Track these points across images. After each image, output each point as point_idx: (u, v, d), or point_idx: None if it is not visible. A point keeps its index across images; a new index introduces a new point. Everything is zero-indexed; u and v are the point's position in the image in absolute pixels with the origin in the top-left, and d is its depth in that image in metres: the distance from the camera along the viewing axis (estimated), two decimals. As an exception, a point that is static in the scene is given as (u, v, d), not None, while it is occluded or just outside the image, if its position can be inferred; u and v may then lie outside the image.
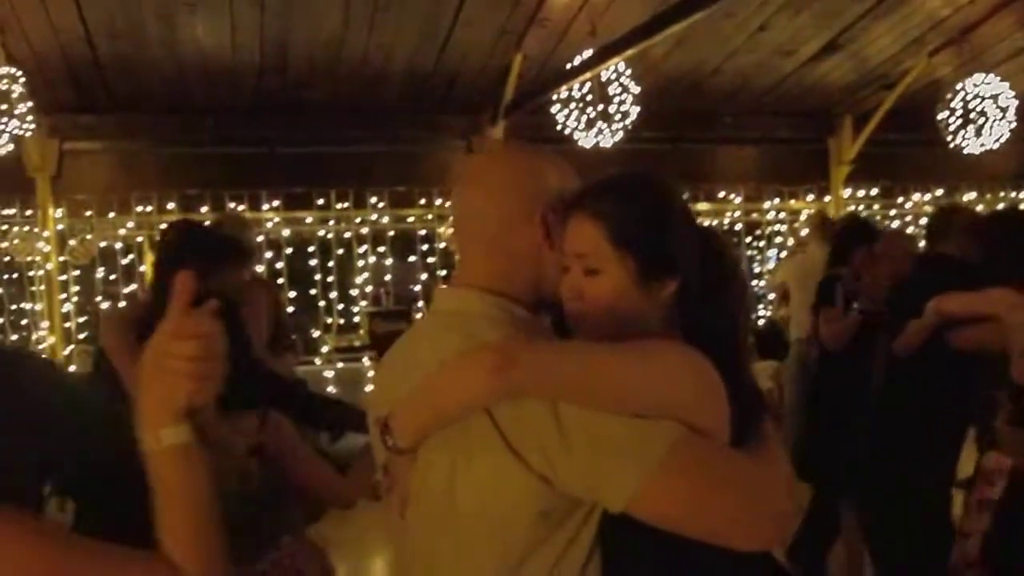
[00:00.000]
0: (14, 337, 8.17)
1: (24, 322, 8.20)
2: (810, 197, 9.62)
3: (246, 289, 2.85)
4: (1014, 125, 7.75)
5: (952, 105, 7.73)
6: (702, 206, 9.32)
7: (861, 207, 9.92)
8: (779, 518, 1.36)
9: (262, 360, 2.99)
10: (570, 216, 1.51)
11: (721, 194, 9.34)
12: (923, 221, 10.08)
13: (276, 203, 8.30)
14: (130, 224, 8.13)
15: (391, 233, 8.71)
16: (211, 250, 2.85)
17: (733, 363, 1.43)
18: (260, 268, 8.35)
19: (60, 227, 7.93)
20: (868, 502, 4.07)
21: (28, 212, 7.89)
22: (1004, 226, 3.62)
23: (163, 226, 8.07)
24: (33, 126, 6.32)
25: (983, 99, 7.66)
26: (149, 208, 8.02)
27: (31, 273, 8.09)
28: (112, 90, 7.37)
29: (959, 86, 7.73)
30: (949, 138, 7.83)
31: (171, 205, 8.05)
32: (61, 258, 7.94)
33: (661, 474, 1.29)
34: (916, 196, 10.04)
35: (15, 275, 8.22)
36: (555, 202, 1.55)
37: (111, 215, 8.00)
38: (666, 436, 1.30)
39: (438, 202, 8.65)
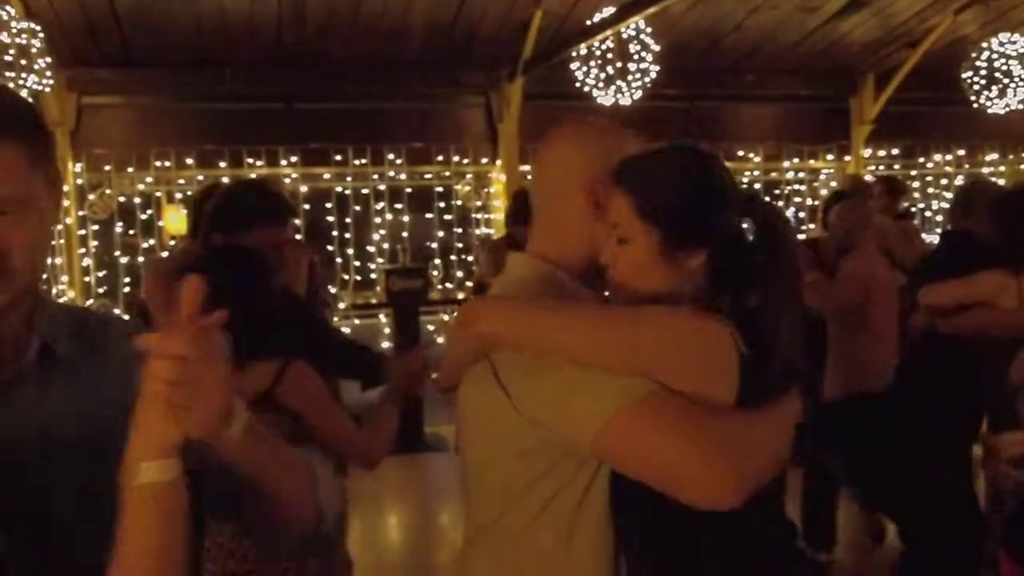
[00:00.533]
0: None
1: (44, 276, 8.25)
2: (830, 157, 9.55)
3: (285, 248, 2.88)
4: (1039, 85, 7.64)
5: (976, 64, 7.63)
6: (721, 165, 9.26)
7: (882, 167, 9.85)
8: (741, 477, 1.38)
9: (297, 309, 3.01)
10: (611, 188, 1.58)
11: (740, 153, 9.27)
12: (944, 181, 10.02)
13: (294, 159, 8.29)
14: (149, 179, 8.15)
15: (408, 190, 8.70)
16: (247, 207, 2.87)
17: (764, 335, 1.47)
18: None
19: (79, 181, 7.96)
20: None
21: (47, 166, 7.89)
22: (1020, 201, 3.60)
23: (181, 181, 8.14)
24: (51, 81, 6.31)
25: (1008, 59, 7.54)
26: (167, 163, 8.04)
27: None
28: (130, 44, 7.35)
29: (984, 45, 7.62)
30: (972, 98, 7.73)
31: (189, 160, 8.07)
32: (80, 212, 7.98)
33: (625, 416, 1.39)
34: (937, 156, 9.96)
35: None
36: (605, 174, 1.61)
37: (129, 170, 8.01)
38: (636, 388, 1.40)
39: (455, 159, 8.64)
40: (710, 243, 1.50)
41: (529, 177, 8.76)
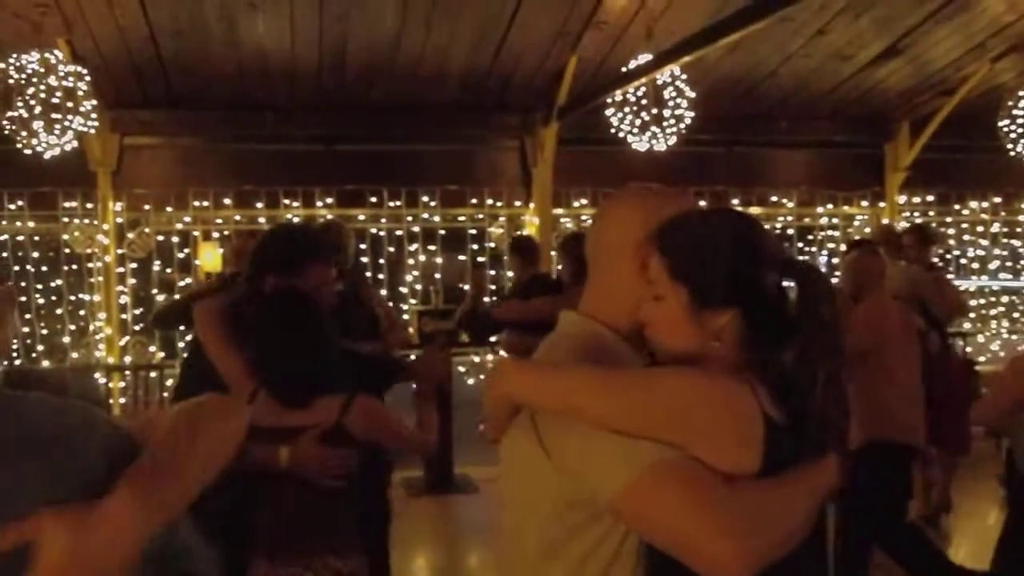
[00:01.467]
0: (72, 327, 8.36)
1: (82, 312, 8.38)
2: (864, 203, 9.52)
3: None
4: (1077, 134, 7.60)
5: (1013, 112, 7.60)
6: (754, 210, 9.25)
7: (916, 214, 9.80)
8: (749, 553, 1.37)
9: (347, 348, 3.13)
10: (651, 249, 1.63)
11: (774, 198, 9.27)
12: (980, 229, 9.95)
13: (330, 200, 8.39)
14: (187, 218, 8.27)
15: (442, 232, 8.77)
16: (301, 248, 3.08)
17: (798, 398, 1.49)
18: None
19: (119, 220, 8.09)
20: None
21: (89, 205, 8.06)
22: None
23: (218, 220, 8.25)
24: (96, 123, 6.44)
25: (1046, 107, 7.52)
26: (206, 203, 8.16)
27: (90, 265, 8.27)
28: (173, 87, 7.51)
29: (1020, 93, 7.60)
30: (1009, 146, 7.70)
31: (227, 200, 8.18)
32: (119, 250, 8.10)
33: (642, 480, 1.42)
34: (973, 204, 9.89)
35: (75, 266, 8.40)
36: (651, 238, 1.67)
37: (168, 209, 8.14)
38: (651, 452, 1.42)
39: (489, 202, 8.69)
40: (737, 302, 1.53)
41: (562, 221, 8.83)
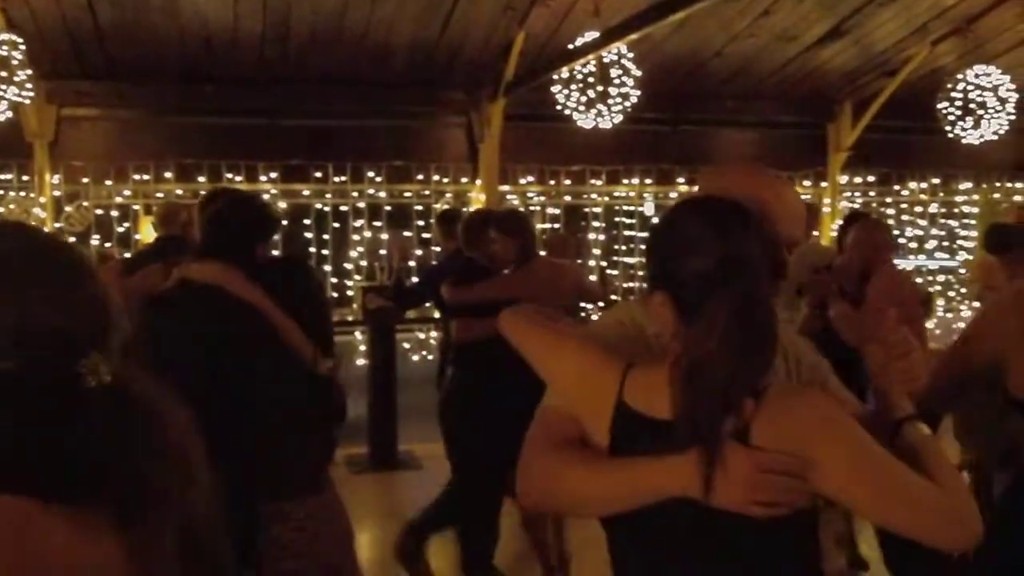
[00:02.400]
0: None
1: None
2: (807, 183, 9.64)
3: None
4: (1013, 117, 7.76)
5: (952, 95, 7.74)
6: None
7: (857, 194, 9.95)
8: (537, 495, 1.67)
9: None
10: None
11: (718, 177, 9.32)
12: (918, 209, 10.13)
13: (274, 175, 8.28)
14: (127, 192, 8.11)
15: (388, 208, 8.71)
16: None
17: (697, 392, 1.46)
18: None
19: (57, 193, 7.91)
20: None
21: (25, 178, 7.87)
22: None
23: (159, 194, 8.09)
24: (32, 93, 6.28)
25: (983, 90, 7.67)
26: (146, 177, 8.01)
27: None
28: (112, 57, 7.34)
29: (960, 76, 7.74)
30: (948, 128, 7.85)
31: (168, 174, 8.04)
32: (57, 224, 7.92)
33: (536, 415, 1.72)
34: (913, 184, 10.07)
35: (10, 240, 8.19)
36: None
37: (108, 182, 7.98)
38: (550, 397, 1.71)
39: (435, 178, 8.65)
40: (662, 286, 1.55)
41: (508, 197, 8.82)
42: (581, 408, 1.62)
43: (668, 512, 1.47)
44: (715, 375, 1.42)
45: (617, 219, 9.44)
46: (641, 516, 1.50)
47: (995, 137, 7.88)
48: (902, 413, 1.59)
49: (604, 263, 9.37)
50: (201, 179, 8.09)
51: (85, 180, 7.91)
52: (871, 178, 9.92)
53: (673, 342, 1.52)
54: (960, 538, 1.47)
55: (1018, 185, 10.47)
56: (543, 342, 1.73)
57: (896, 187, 10.03)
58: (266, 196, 8.28)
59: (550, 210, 9.16)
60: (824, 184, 9.57)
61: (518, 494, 1.69)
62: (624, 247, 9.45)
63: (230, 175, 8.15)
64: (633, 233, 9.43)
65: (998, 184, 10.37)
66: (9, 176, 7.88)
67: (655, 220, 1.72)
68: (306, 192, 8.51)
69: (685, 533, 1.50)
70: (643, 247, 1.71)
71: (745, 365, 1.44)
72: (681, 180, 9.26)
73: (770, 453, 1.42)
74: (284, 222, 8.40)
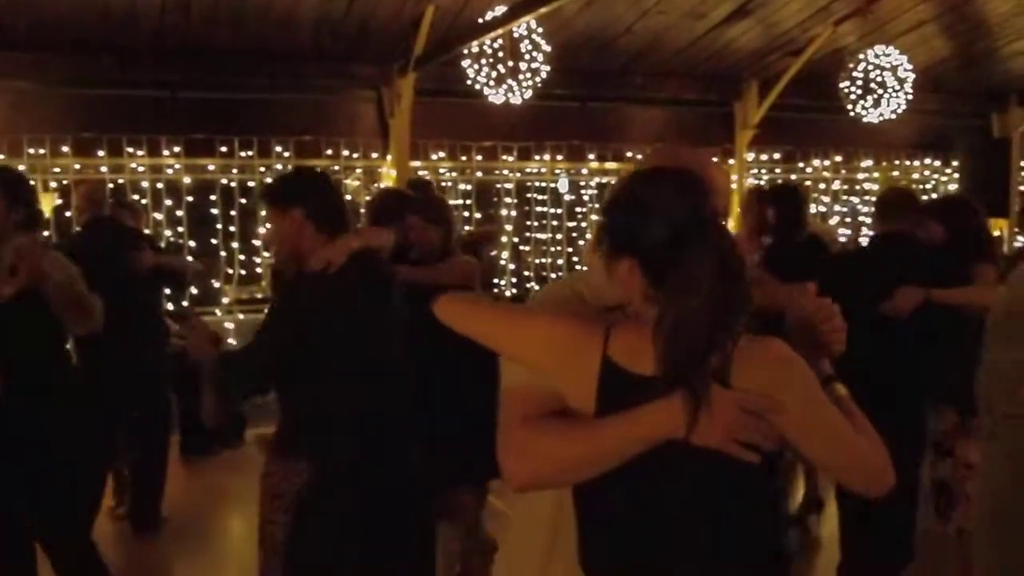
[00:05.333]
0: None
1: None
2: (714, 159, 9.75)
3: None
4: (911, 97, 7.99)
5: (854, 74, 7.93)
6: (610, 165, 9.41)
7: (763, 171, 10.15)
8: (525, 472, 1.66)
9: None
10: None
11: (629, 154, 9.41)
12: (822, 186, 10.38)
13: (177, 149, 8.06)
14: (21, 167, 7.78)
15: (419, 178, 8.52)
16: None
17: (679, 350, 1.52)
18: (159, 215, 8.15)
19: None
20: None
21: (-89, 150, 7.51)
22: (961, 211, 4.25)
23: (56, 169, 7.80)
24: (-84, 60, 5.99)
25: (882, 70, 7.87)
26: (42, 151, 7.71)
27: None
28: (3, 25, 7.02)
29: (861, 56, 7.93)
30: (849, 107, 8.04)
31: (65, 148, 7.75)
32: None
33: (503, 395, 1.74)
34: (816, 162, 10.31)
35: None
36: None
37: (0, 156, 7.66)
38: (518, 374, 1.71)
39: (345, 152, 8.53)
40: (629, 251, 1.59)
41: (419, 173, 8.75)
42: (562, 375, 1.64)
43: (650, 458, 1.56)
44: (700, 331, 1.49)
45: (529, 195, 9.45)
46: (624, 467, 1.58)
47: (894, 116, 8.11)
48: (823, 374, 1.71)
49: (516, 239, 9.38)
50: (101, 153, 7.83)
51: (-24, 153, 7.59)
52: (776, 155, 10.13)
53: (644, 305, 1.58)
54: (881, 486, 1.66)
55: (916, 163, 10.80)
56: (504, 320, 1.76)
57: (800, 164, 10.26)
58: (169, 171, 8.08)
59: (462, 186, 9.13)
60: (731, 161, 9.72)
61: (505, 478, 1.67)
62: (536, 223, 9.47)
63: (131, 149, 7.90)
64: (545, 209, 9.45)
65: (897, 162, 10.69)
66: None
67: (612, 191, 1.70)
68: (211, 167, 8.30)
69: (667, 477, 1.59)
70: (597, 218, 1.74)
71: (727, 318, 1.51)
72: (591, 156, 9.32)
73: (748, 394, 1.53)
74: (189, 198, 8.21)
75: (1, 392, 3.22)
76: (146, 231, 6.77)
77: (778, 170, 10.21)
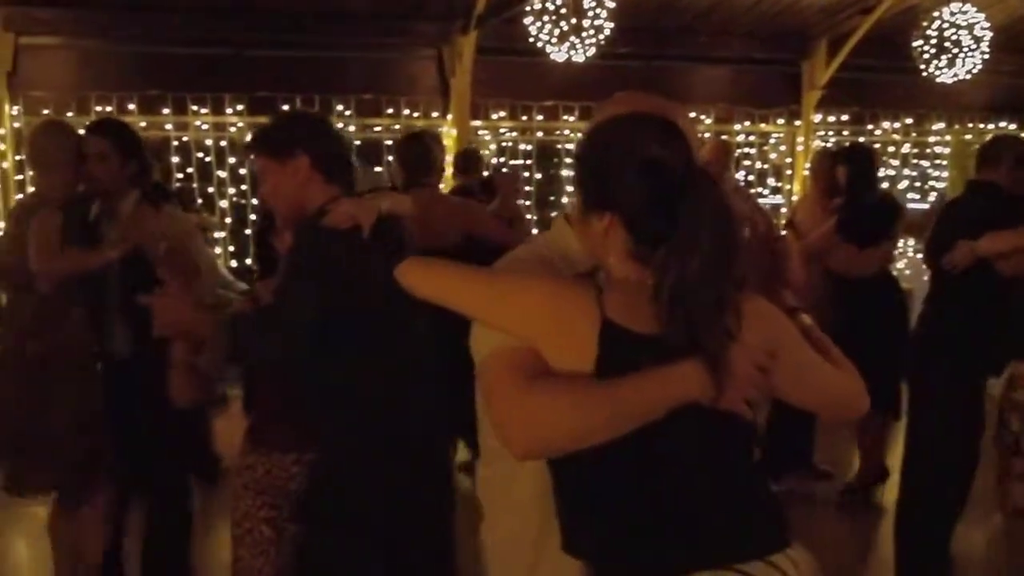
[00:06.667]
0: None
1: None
2: (780, 121, 9.58)
3: None
4: (987, 56, 7.72)
5: (927, 33, 7.68)
6: (673, 126, 9.25)
7: (831, 133, 9.92)
8: (529, 439, 1.53)
9: None
10: None
11: (692, 114, 9.25)
12: (891, 149, 10.13)
13: (240, 107, 8.12)
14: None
15: (357, 142, 8.57)
16: None
17: (679, 309, 1.48)
18: (223, 173, 8.24)
19: (17, 125, 7.71)
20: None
21: (-17, 109, 7.67)
22: None
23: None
24: (-13, 18, 6.09)
25: (958, 28, 7.61)
26: (109, 108, 7.81)
27: (-14, 171, 7.91)
28: (72, -16, 7.12)
29: (935, 13, 7.67)
30: (922, 67, 7.80)
31: (131, 106, 7.85)
32: (18, 157, 7.74)
33: (484, 363, 1.62)
34: (886, 124, 10.04)
35: (-31, 172, 8.03)
36: None
37: (69, 114, 7.78)
38: (497, 339, 1.59)
39: (406, 112, 8.52)
40: (610, 207, 1.53)
41: (480, 133, 8.71)
42: (553, 339, 1.55)
43: (665, 424, 1.49)
44: (710, 290, 1.45)
45: (590, 156, 9.34)
46: (638, 433, 1.50)
47: (969, 77, 7.84)
48: (787, 307, 1.75)
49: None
50: (166, 111, 7.92)
51: (46, 111, 7.71)
52: (844, 117, 9.88)
53: (627, 265, 1.53)
54: (859, 411, 1.75)
55: (991, 126, 10.47)
56: (484, 285, 1.66)
57: (869, 126, 10.00)
58: (232, 128, 8.15)
59: (523, 146, 9.07)
60: (798, 123, 9.52)
61: (509, 445, 1.54)
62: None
63: (195, 107, 7.98)
64: (605, 171, 9.35)
65: (971, 125, 10.36)
66: (-34, 107, 7.67)
67: (583, 140, 1.57)
68: (274, 125, 8.33)
69: (678, 441, 1.53)
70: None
71: (730, 274, 1.48)
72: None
73: (757, 350, 1.50)
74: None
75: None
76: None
77: (846, 132, 9.97)
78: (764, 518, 1.61)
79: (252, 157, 2.66)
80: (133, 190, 3.49)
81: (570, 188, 9.22)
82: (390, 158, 8.57)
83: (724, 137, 8.38)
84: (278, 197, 2.59)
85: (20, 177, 7.78)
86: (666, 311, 1.46)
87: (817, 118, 9.63)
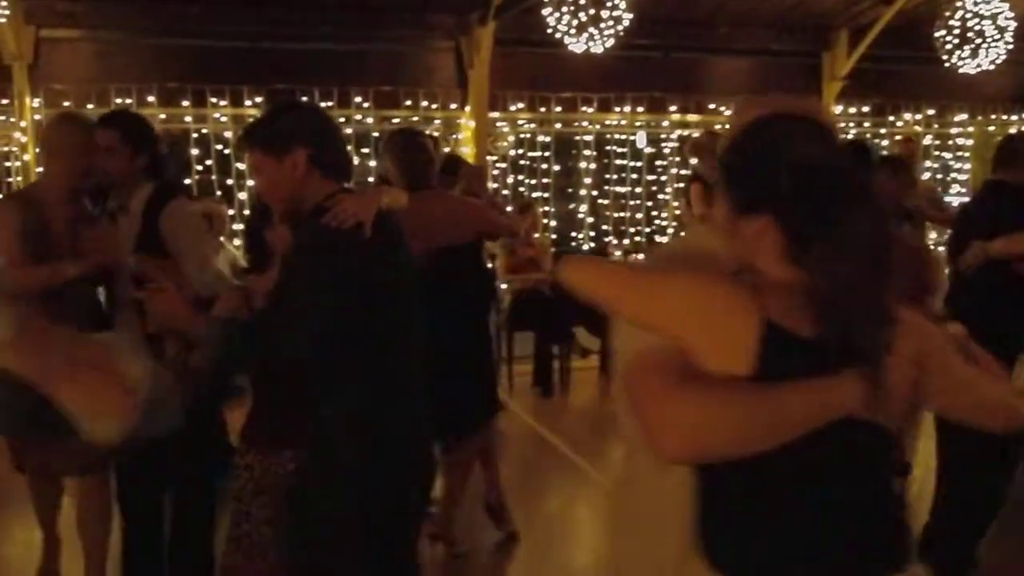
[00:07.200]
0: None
1: None
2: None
3: None
4: (1011, 46, 7.62)
5: (950, 23, 7.59)
6: (691, 117, 9.22)
7: (852, 125, 9.84)
8: (686, 443, 1.44)
9: None
10: None
11: (712, 106, 9.21)
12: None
13: (259, 99, 8.12)
14: (109, 116, 7.95)
15: (375, 135, 8.57)
16: None
17: (836, 314, 1.44)
18: (241, 165, 8.26)
19: (37, 117, 7.76)
20: None
21: (4, 101, 7.71)
22: None
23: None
24: (7, 11, 6.11)
25: (981, 18, 7.51)
26: (128, 100, 7.84)
27: (7, 164, 7.96)
28: (91, -25, 7.15)
29: (958, 4, 7.58)
30: (944, 57, 7.72)
31: (151, 98, 7.88)
32: (38, 149, 7.78)
33: (631, 363, 1.54)
34: (907, 115, 9.95)
35: (-8, 164, 8.09)
36: None
37: (90, 106, 7.81)
38: (644, 339, 1.52)
39: (424, 104, 8.51)
40: (766, 209, 1.48)
41: (498, 125, 8.70)
42: (708, 337, 1.48)
43: (822, 434, 1.44)
44: (863, 291, 1.42)
45: (608, 148, 9.32)
46: (800, 444, 1.44)
47: (992, 67, 7.75)
48: (934, 315, 1.79)
49: (595, 193, 9.29)
50: (185, 103, 7.95)
51: (66, 104, 7.74)
52: (865, 108, 9.80)
53: (779, 267, 1.49)
54: (1017, 424, 1.64)
55: (1014, 117, 10.36)
56: (637, 282, 1.59)
57: (891, 118, 9.92)
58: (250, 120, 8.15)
59: (541, 138, 9.05)
60: (818, 114, 9.44)
61: (658, 448, 1.45)
62: (615, 176, 9.36)
63: (214, 99, 8.00)
64: (624, 162, 9.33)
65: (994, 116, 10.26)
66: (-12, 99, 7.73)
67: (733, 141, 1.57)
68: (292, 117, 8.34)
69: (839, 452, 1.48)
70: (725, 169, 1.60)
71: (887, 276, 1.45)
72: (673, 108, 9.14)
73: (911, 363, 1.48)
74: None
75: None
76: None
77: (867, 124, 9.90)
78: (906, 530, 1.61)
79: (248, 151, 2.54)
80: (147, 183, 3.42)
81: (588, 180, 9.19)
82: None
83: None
84: (275, 192, 2.52)
85: (41, 169, 7.82)
86: (822, 313, 1.43)
87: (838, 110, 9.55)
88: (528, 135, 9.00)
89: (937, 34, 7.64)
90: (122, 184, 3.43)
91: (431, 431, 2.73)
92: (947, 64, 7.73)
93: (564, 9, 6.57)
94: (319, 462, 2.49)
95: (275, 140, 2.47)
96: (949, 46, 7.63)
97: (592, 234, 9.35)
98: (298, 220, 2.52)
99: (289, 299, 2.39)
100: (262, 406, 2.74)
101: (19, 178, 7.81)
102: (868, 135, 9.84)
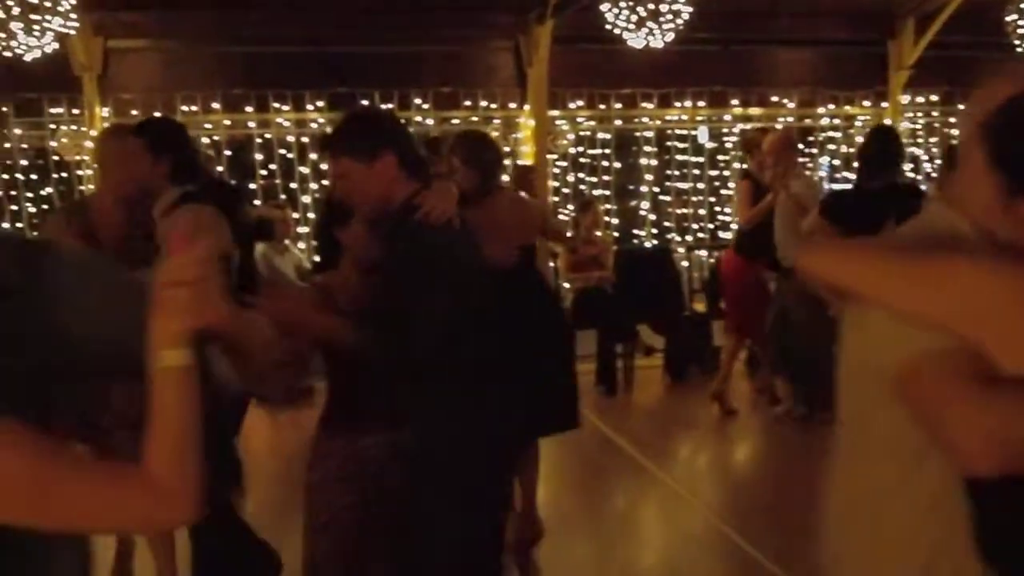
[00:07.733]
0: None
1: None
2: (867, 103, 9.33)
3: None
4: (1086, 28, 7.41)
5: (1021, 6, 7.40)
6: (753, 111, 9.10)
7: (919, 114, 9.62)
8: (998, 448, 1.31)
9: None
10: None
11: (774, 99, 9.08)
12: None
13: (320, 103, 8.22)
14: (176, 124, 8.11)
15: (435, 136, 8.61)
16: None
17: None
18: (304, 169, 8.37)
19: (107, 126, 7.94)
20: None
21: (75, 111, 7.91)
22: None
23: (207, 125, 8.08)
24: (76, 24, 6.26)
25: (1055, 0, 7.31)
26: (194, 107, 7.99)
27: (80, 172, 8.16)
28: (155, -13, 7.29)
29: (1031, -14, 7.39)
30: (1017, 42, 7.52)
31: (215, 104, 8.02)
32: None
33: (916, 365, 1.36)
34: (978, 103, 9.69)
35: (64, 174, 8.29)
36: None
37: (156, 114, 7.97)
38: (929, 339, 1.34)
39: (483, 103, 8.52)
40: None
41: (558, 123, 8.68)
42: (1000, 331, 1.32)
43: None
44: None
45: (669, 143, 9.24)
46: None
47: (1067, 50, 7.55)
48: None
49: (656, 189, 9.22)
50: (248, 109, 8.07)
51: (134, 112, 7.92)
52: (934, 97, 9.57)
53: None
54: None
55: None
56: (908, 270, 1.40)
57: (960, 107, 9.67)
58: (314, 124, 8.25)
59: (600, 135, 9.01)
60: (885, 104, 9.25)
61: (965, 459, 1.33)
62: (677, 172, 9.27)
63: (277, 104, 8.11)
64: (686, 158, 9.24)
65: (1069, 101, 9.94)
66: (60, 110, 7.94)
67: (1001, 114, 1.34)
68: (354, 121, 8.42)
69: None
70: (989, 149, 1.44)
71: None
72: (735, 102, 9.03)
73: None
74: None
75: None
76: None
77: (935, 113, 9.66)
78: None
79: (333, 159, 2.66)
80: (174, 189, 3.39)
81: (649, 176, 9.12)
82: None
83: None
84: (365, 196, 2.62)
85: (110, 177, 8.00)
86: None
87: (905, 99, 9.35)
88: (588, 132, 8.96)
89: (1008, 18, 7.46)
90: (148, 191, 3.40)
91: (523, 423, 2.88)
92: (1020, 49, 7.54)
93: (622, 4, 6.54)
94: (427, 444, 2.57)
95: (363, 147, 2.59)
96: (1022, 30, 7.45)
97: (654, 231, 9.28)
98: (381, 220, 2.62)
99: (412, 300, 2.50)
100: (343, 394, 2.76)
101: (91, 186, 7.99)
102: (937, 124, 9.60)
